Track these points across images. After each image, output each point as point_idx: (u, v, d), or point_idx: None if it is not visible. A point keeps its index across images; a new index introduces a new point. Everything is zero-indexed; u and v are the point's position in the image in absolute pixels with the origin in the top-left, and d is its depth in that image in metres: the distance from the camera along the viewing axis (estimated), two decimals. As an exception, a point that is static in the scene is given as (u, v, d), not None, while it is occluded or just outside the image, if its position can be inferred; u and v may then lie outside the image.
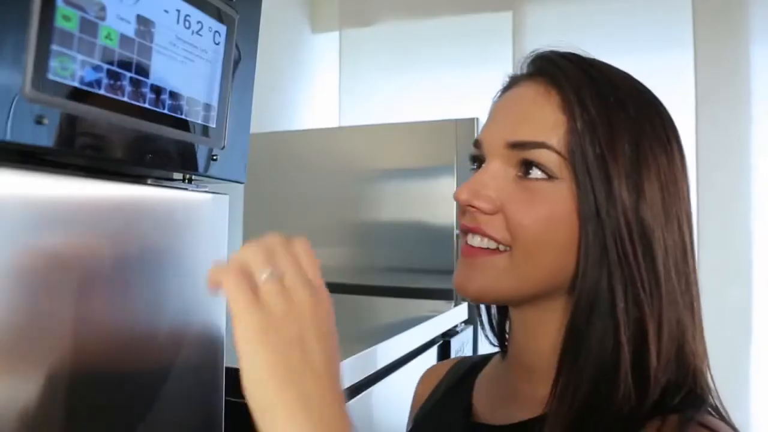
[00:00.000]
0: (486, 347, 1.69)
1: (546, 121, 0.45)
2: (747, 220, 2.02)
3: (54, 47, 0.35)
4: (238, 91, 0.54)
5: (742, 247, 2.01)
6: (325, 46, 2.66)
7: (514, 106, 0.48)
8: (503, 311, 0.57)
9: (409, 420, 0.69)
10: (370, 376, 0.87)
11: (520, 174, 0.46)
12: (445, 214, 1.63)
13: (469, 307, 1.48)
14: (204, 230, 0.52)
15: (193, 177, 0.53)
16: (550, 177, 0.45)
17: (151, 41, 0.43)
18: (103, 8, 0.38)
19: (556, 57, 0.48)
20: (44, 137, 0.36)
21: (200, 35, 0.48)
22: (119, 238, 0.44)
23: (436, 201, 1.65)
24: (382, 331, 1.03)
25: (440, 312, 1.30)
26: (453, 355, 1.29)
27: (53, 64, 0.35)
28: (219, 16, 0.50)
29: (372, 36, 2.55)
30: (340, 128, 2.37)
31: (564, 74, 0.46)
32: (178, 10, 0.45)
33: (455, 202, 0.49)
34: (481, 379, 0.60)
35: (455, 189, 0.48)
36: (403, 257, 1.71)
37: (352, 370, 0.81)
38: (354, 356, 0.82)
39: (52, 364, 0.38)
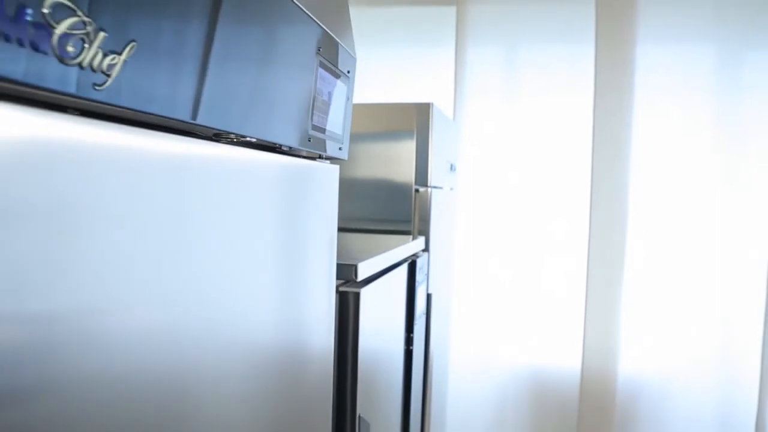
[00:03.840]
0: (436, 268, 2.41)
1: None
2: (626, 185, 2.77)
3: (314, 111, 0.94)
4: (348, 115, 1.13)
5: (622, 200, 2.77)
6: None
7: None
8: None
9: None
10: (364, 279, 1.37)
11: None
12: (406, 173, 2.26)
13: (426, 241, 2.14)
14: (328, 187, 1.12)
15: (322, 155, 1.12)
16: None
17: (330, 101, 1.02)
18: (321, 88, 0.97)
19: None
20: (309, 145, 0.95)
21: (340, 94, 1.07)
22: (281, 191, 1.03)
23: (399, 161, 2.27)
24: (369, 253, 1.57)
25: (405, 243, 1.94)
26: (417, 271, 1.94)
27: (314, 117, 0.94)
28: (344, 81, 1.09)
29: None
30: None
31: None
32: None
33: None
34: None
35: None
36: (370, 208, 2.32)
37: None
38: (361, 263, 1.39)
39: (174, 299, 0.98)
